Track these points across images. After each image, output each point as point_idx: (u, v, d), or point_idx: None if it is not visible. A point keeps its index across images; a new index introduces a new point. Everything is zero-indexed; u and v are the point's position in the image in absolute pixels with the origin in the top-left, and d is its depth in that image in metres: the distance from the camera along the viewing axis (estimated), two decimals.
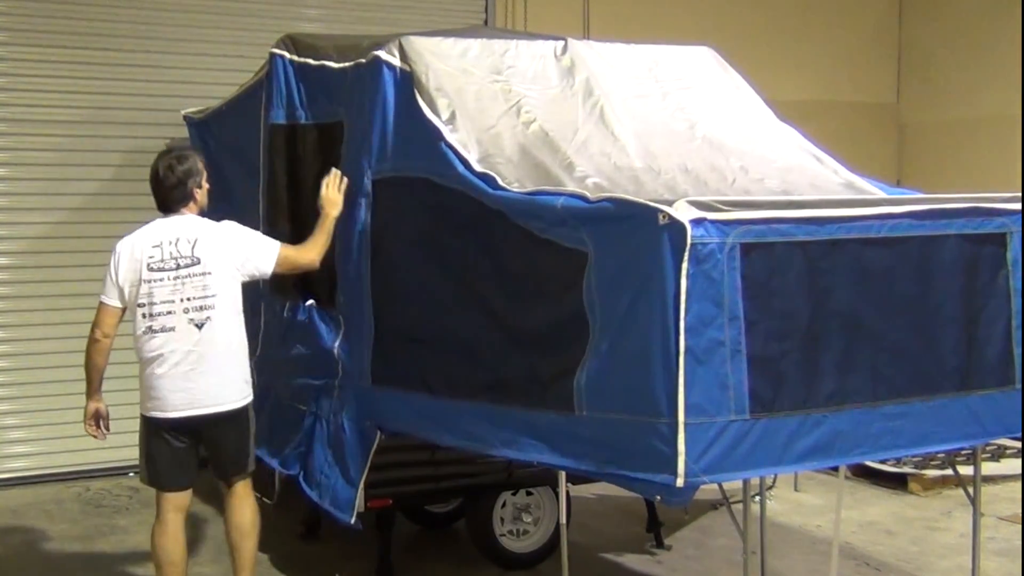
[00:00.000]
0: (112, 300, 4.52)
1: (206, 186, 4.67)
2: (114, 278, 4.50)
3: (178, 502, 4.61)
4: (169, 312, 4.44)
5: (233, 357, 4.56)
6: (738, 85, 5.66)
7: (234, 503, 4.70)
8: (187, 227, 4.53)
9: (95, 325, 4.57)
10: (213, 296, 4.47)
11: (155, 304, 4.44)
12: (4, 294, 7.36)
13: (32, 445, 7.41)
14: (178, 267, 4.45)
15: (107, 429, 4.76)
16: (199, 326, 4.44)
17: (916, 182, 8.93)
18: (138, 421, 4.66)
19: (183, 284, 4.44)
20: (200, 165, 4.64)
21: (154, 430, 4.54)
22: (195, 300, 4.44)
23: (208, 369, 4.47)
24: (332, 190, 4.85)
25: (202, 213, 4.67)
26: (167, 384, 4.46)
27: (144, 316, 4.46)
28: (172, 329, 4.44)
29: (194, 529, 6.30)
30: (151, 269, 4.45)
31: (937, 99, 10.39)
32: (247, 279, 4.66)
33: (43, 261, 7.40)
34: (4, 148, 7.33)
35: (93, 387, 4.71)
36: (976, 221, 4.17)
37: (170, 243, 4.48)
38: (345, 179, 4.90)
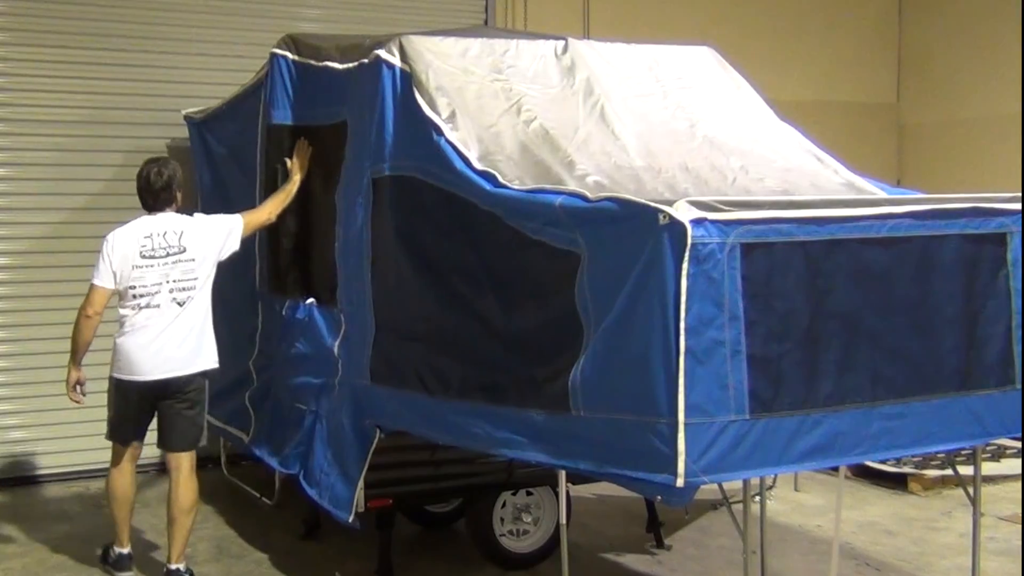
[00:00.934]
0: (105, 283, 5.21)
1: (183, 188, 5.47)
2: (108, 263, 5.20)
3: (134, 453, 5.43)
4: (156, 292, 5.18)
5: (203, 329, 5.31)
6: (738, 85, 5.66)
7: (181, 480, 5.30)
8: (172, 222, 5.31)
9: (87, 304, 5.24)
10: (195, 279, 5.24)
11: (145, 286, 5.18)
12: (4, 294, 7.36)
13: (32, 445, 7.41)
14: (167, 255, 5.21)
15: (83, 395, 5.43)
16: (181, 304, 5.21)
17: (916, 182, 8.94)
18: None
19: (171, 269, 5.20)
20: (180, 171, 5.40)
21: (125, 392, 5.25)
22: (180, 282, 5.21)
23: (182, 339, 5.21)
24: (301, 155, 5.60)
25: (178, 211, 5.38)
26: (145, 352, 5.17)
27: (133, 296, 5.19)
28: (157, 307, 5.19)
29: (194, 529, 6.31)
30: (143, 256, 5.19)
31: (937, 99, 10.39)
32: (225, 258, 5.44)
33: (43, 261, 7.40)
34: (4, 148, 7.33)
35: (78, 358, 5.35)
36: (976, 221, 4.16)
37: (159, 235, 5.23)
38: (310, 147, 5.56)
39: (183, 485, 5.27)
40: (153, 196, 5.29)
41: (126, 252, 5.17)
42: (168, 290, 5.17)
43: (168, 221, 5.28)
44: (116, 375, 5.26)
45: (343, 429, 5.12)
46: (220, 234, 5.36)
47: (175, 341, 5.17)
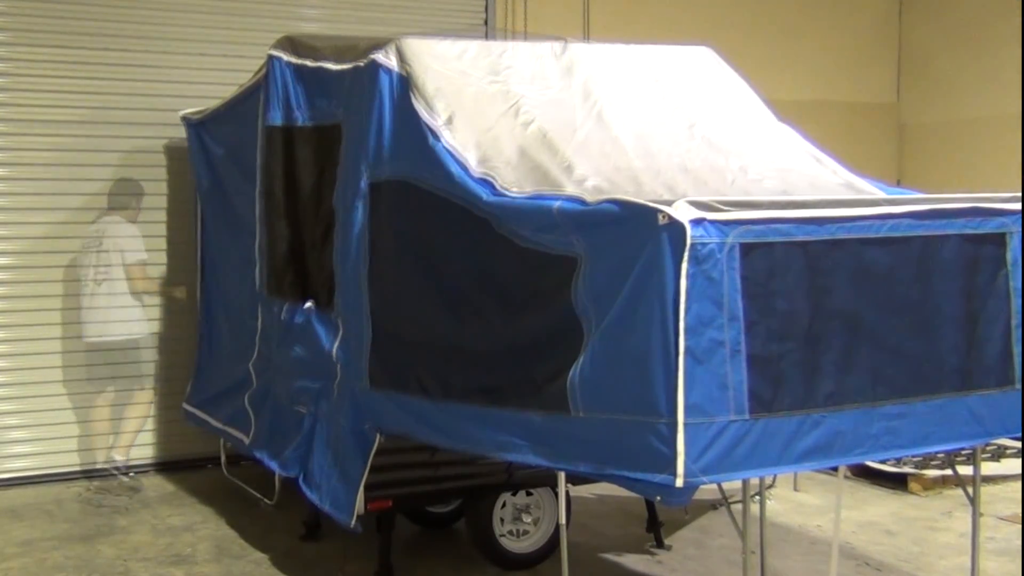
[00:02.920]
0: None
1: (140, 207, 7.45)
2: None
3: (107, 397, 7.28)
4: (87, 274, 7.13)
5: (122, 303, 7.14)
6: (738, 85, 5.65)
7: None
8: (108, 222, 7.22)
9: None
10: (108, 266, 7.11)
11: (82, 267, 7.19)
12: (4, 294, 7.37)
13: (32, 445, 7.40)
14: (92, 245, 7.17)
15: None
16: (99, 283, 7.11)
17: (916, 182, 8.94)
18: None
19: (94, 257, 7.13)
20: (142, 193, 7.42)
21: (88, 347, 7.23)
22: (98, 268, 7.12)
23: (105, 307, 7.12)
24: None
25: (130, 221, 7.30)
26: (87, 318, 7.15)
27: (80, 277, 7.19)
28: (87, 283, 7.11)
29: (194, 529, 6.33)
30: (83, 247, 7.19)
31: (937, 99, 10.39)
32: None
33: (43, 261, 7.41)
34: (4, 148, 7.33)
35: None
36: (976, 221, 4.16)
37: (94, 230, 7.18)
38: None
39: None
40: (112, 202, 7.27)
41: (83, 244, 7.23)
42: (93, 273, 7.12)
43: (106, 222, 7.20)
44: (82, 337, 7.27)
45: (343, 432, 5.11)
46: (118, 241, 7.11)
47: (102, 309, 7.11)
